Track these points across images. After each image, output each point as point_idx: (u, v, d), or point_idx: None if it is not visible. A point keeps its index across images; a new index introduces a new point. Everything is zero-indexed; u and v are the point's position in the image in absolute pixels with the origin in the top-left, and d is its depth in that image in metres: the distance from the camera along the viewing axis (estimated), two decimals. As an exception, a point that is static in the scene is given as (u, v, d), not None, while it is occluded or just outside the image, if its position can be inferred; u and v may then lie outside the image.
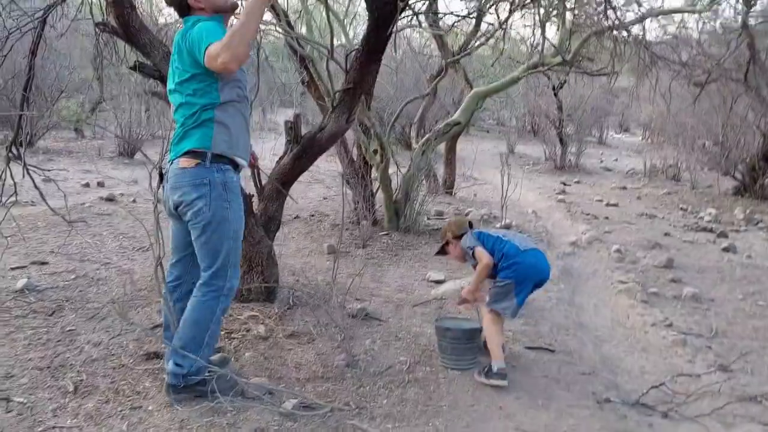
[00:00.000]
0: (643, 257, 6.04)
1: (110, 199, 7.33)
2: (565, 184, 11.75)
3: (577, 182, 12.41)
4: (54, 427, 2.46)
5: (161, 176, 2.69)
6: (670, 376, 3.29)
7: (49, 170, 4.13)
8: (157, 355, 3.08)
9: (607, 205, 9.58)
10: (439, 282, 4.61)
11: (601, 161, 16.54)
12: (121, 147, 11.55)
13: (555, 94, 14.00)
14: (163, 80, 3.05)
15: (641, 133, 24.98)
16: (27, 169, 3.76)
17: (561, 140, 14.22)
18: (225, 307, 2.67)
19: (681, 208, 9.58)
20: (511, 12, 4.60)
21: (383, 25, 3.08)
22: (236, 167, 2.67)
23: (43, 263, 4.62)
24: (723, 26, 5.32)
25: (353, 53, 3.59)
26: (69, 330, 3.43)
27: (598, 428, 2.69)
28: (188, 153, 2.53)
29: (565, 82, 13.73)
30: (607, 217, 8.39)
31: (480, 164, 13.25)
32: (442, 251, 3.52)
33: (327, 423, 2.52)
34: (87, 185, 8.26)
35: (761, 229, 8.19)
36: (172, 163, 2.59)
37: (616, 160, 17.24)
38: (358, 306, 3.88)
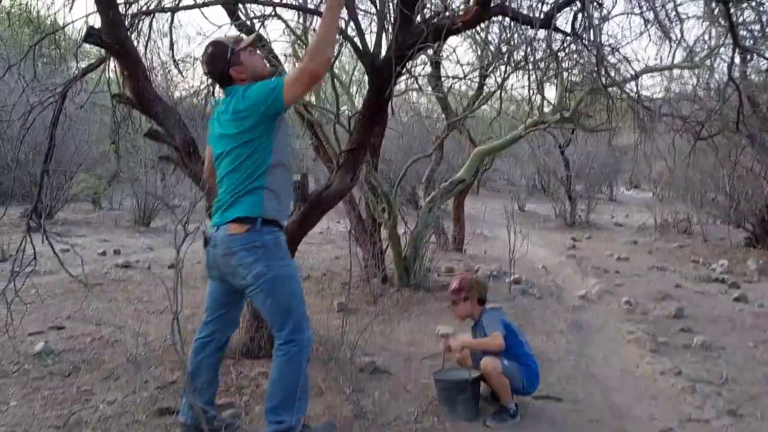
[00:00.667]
0: (653, 308, 6.04)
1: (126, 266, 7.49)
2: (575, 240, 11.79)
3: (588, 238, 12.44)
4: (68, 482, 2.51)
5: (206, 241, 2.74)
6: (679, 422, 3.29)
7: (67, 238, 4.29)
8: (170, 411, 3.14)
9: (618, 259, 9.59)
10: (448, 335, 4.65)
11: (612, 217, 16.58)
12: (136, 215, 11.83)
13: (561, 153, 14.23)
14: (175, 147, 3.24)
15: (651, 188, 25.04)
16: (46, 236, 3.94)
17: (570, 197, 14.35)
18: (308, 357, 2.72)
19: (692, 261, 9.56)
20: (507, 74, 4.81)
21: (382, 90, 3.27)
22: (280, 226, 2.75)
23: (61, 328, 4.74)
24: (717, 81, 5.52)
25: (356, 116, 3.79)
26: (84, 390, 3.51)
27: (606, 473, 2.70)
28: (237, 220, 2.60)
29: (570, 140, 14.00)
30: (617, 271, 8.40)
31: (490, 223, 13.37)
32: (450, 297, 3.60)
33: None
34: (104, 253, 8.46)
35: (775, 280, 8.15)
36: (218, 229, 2.66)
37: (627, 215, 17.27)
38: (368, 360, 3.93)
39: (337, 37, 2.97)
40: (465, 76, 5.76)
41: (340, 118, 4.95)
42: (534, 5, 3.53)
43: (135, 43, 3.61)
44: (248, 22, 4.80)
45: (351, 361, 3.86)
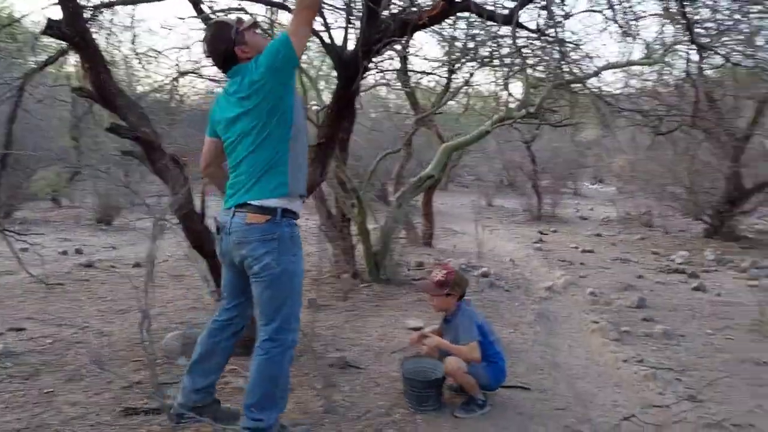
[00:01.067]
0: (616, 299, 6.17)
1: (88, 265, 7.34)
2: (542, 234, 11.96)
3: (554, 231, 12.63)
4: (32, 484, 2.46)
5: (219, 228, 2.70)
6: (641, 408, 3.38)
7: (26, 237, 4.19)
8: (136, 411, 3.09)
9: (583, 251, 9.76)
10: (417, 329, 4.67)
11: (577, 211, 16.87)
12: (99, 214, 11.60)
13: (528, 148, 14.41)
14: (138, 140, 3.19)
15: (615, 183, 25.53)
16: (5, 235, 3.85)
17: (536, 192, 14.55)
18: (291, 358, 2.68)
19: (653, 252, 9.79)
20: (473, 71, 4.86)
21: (349, 84, 3.27)
22: (296, 214, 2.68)
23: (20, 329, 4.61)
24: (675, 78, 5.66)
25: (324, 110, 3.78)
26: (46, 392, 3.43)
27: (572, 459, 2.75)
28: (258, 209, 2.54)
29: (536, 136, 14.18)
30: (582, 263, 8.55)
31: (459, 218, 13.51)
32: (430, 289, 3.45)
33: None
34: (65, 253, 8.27)
35: (731, 269, 8.38)
36: (234, 214, 2.59)
37: (592, 209, 17.59)
38: (338, 355, 3.94)
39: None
40: (431, 72, 5.79)
41: (308, 112, 4.94)
42: (498, 2, 3.57)
43: (96, 37, 3.54)
44: (213, 16, 4.74)
45: (322, 356, 3.86)
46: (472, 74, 5.05)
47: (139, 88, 6.23)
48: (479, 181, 23.27)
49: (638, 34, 5.12)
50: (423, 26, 3.16)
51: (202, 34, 2.76)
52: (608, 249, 10.22)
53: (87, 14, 3.31)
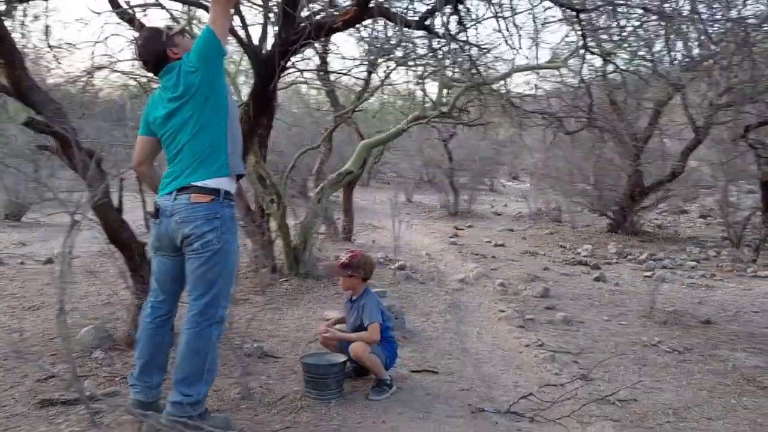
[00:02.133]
0: (523, 289, 6.57)
1: (-4, 262, 7.06)
2: (457, 229, 12.40)
3: (470, 226, 13.12)
4: (-57, 477, 2.47)
5: (157, 213, 2.78)
6: (538, 387, 3.70)
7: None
8: (52, 402, 3.11)
9: (495, 245, 10.24)
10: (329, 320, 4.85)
11: (492, 207, 17.51)
12: (7, 210, 11.07)
13: (445, 146, 14.85)
14: (54, 135, 3.19)
15: (529, 180, 26.58)
16: None
17: (453, 189, 15.02)
18: (219, 334, 2.78)
19: (560, 246, 10.39)
20: (389, 71, 5.06)
21: (267, 83, 3.39)
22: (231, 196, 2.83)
23: (-75, 327, 4.46)
24: (576, 81, 6.07)
25: (242, 107, 3.88)
26: (-43, 387, 3.38)
27: (472, 433, 3.01)
28: (201, 188, 2.68)
29: (453, 134, 14.63)
30: (494, 256, 8.99)
31: (379, 213, 13.75)
32: (334, 270, 3.73)
33: (223, 448, 2.68)
34: (-30, 249, 7.90)
35: (630, 261, 9.05)
36: (175, 198, 2.70)
37: (506, 205, 18.31)
38: (256, 345, 4.05)
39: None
40: (347, 72, 5.96)
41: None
42: (411, 7, 3.78)
43: (10, 30, 3.49)
44: (129, 11, 4.71)
45: (239, 347, 3.95)
46: (388, 74, 5.24)
47: (51, 81, 6.04)
48: (400, 178, 23.72)
49: (539, 41, 5.47)
50: (337, 29, 3.32)
51: (116, 28, 2.87)
52: (519, 243, 10.75)
53: (1, 8, 3.26)
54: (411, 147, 19.66)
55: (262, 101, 3.63)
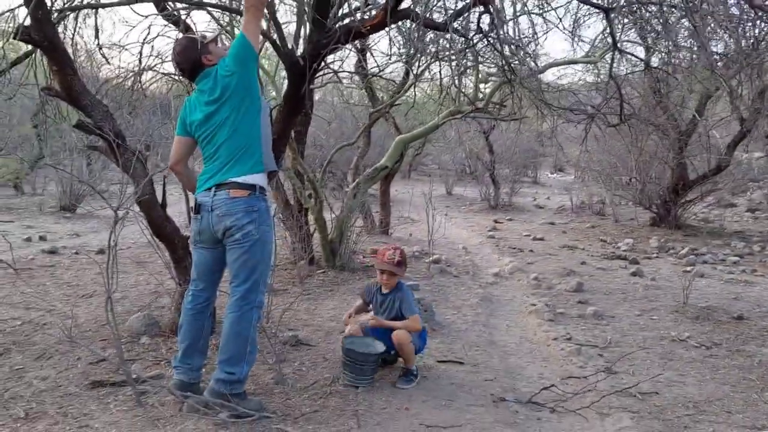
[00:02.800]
0: (557, 283, 6.62)
1: (52, 252, 7.50)
2: (497, 222, 12.43)
3: (510, 220, 13.13)
4: (7, 447, 2.75)
5: (198, 208, 3.03)
6: (561, 379, 3.79)
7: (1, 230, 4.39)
8: (102, 384, 3.38)
9: (534, 239, 10.25)
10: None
11: (534, 200, 17.43)
12: (62, 202, 11.65)
13: (486, 138, 14.85)
14: (102, 137, 3.45)
15: (573, 172, 26.23)
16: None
17: (494, 181, 15.02)
18: (259, 318, 3.06)
19: (601, 240, 10.33)
20: (423, 67, 5.18)
21: (299, 84, 3.57)
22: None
23: (-11, 312, 4.83)
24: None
25: (277, 108, 4.07)
26: (17, 369, 3.68)
27: (491, 421, 3.14)
28: (240, 184, 2.93)
29: (494, 126, 14.61)
30: (531, 250, 9.02)
31: (418, 206, 13.86)
32: (395, 270, 3.75)
33: (255, 428, 2.88)
34: (29, 239, 8.39)
35: (671, 256, 8.95)
36: (215, 193, 2.95)
37: (548, 198, 18.17)
38: (291, 334, 4.26)
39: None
40: (380, 72, 6.09)
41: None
42: (439, 7, 3.89)
43: (62, 36, 3.76)
44: (175, 12, 4.95)
45: (275, 335, 4.17)
46: (422, 71, 5.36)
47: (102, 75, 6.38)
48: (441, 170, 23.79)
49: (576, 36, 5.51)
50: (365, 34, 3.48)
51: (162, 29, 3.14)
52: (558, 237, 10.73)
53: (53, 16, 3.52)
54: (452, 139, 19.75)
55: (295, 102, 3.80)
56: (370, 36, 5.95)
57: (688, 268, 7.77)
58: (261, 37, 4.01)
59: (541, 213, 14.62)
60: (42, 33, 2.97)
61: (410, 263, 7.27)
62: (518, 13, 4.48)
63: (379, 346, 3.61)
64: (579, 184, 18.22)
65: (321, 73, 4.50)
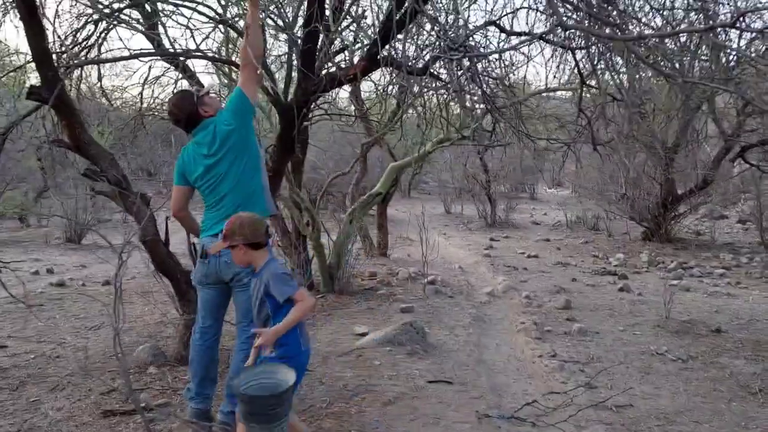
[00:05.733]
0: (547, 301, 6.87)
1: (60, 284, 7.77)
2: (493, 240, 12.68)
3: (506, 237, 13.38)
4: (29, 474, 3.00)
5: (204, 254, 3.24)
6: (543, 395, 4.04)
7: (10, 262, 4.68)
8: (113, 413, 3.63)
9: (528, 256, 10.50)
10: (362, 334, 5.28)
11: (531, 216, 17.69)
12: (68, 233, 11.93)
13: (480, 158, 15.15)
14: (109, 182, 3.74)
15: (569, 187, 26.49)
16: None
17: (489, 199, 15.31)
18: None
19: (593, 255, 10.59)
20: (408, 103, 5.49)
21: (290, 128, 3.87)
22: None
23: (3, 346, 5.09)
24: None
25: (271, 147, 4.38)
26: (33, 401, 3.94)
27: (475, 437, 3.39)
28: None
29: (487, 148, 14.91)
30: (525, 268, 9.27)
31: (417, 226, 14.11)
32: (216, 247, 3.06)
33: (256, 450, 3.13)
34: (37, 273, 8.66)
35: (660, 270, 9.20)
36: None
37: (545, 214, 18.43)
38: (289, 360, 4.51)
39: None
40: (366, 112, 6.42)
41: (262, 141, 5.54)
42: (418, 54, 4.20)
43: (69, 87, 4.07)
44: (175, 59, 5.28)
45: (274, 361, 4.42)
46: (408, 107, 5.67)
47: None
48: (441, 188, 24.09)
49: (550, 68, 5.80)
50: (349, 81, 3.78)
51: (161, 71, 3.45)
52: (553, 253, 10.98)
53: (61, 70, 3.83)
54: (448, 160, 20.06)
55: (287, 142, 4.10)
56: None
57: (675, 282, 8.01)
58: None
59: (537, 229, 14.87)
60: (52, 92, 3.27)
61: (406, 285, 7.55)
62: (495, 49, 4.77)
63: (287, 375, 2.71)
64: (575, 199, 18.49)
65: (312, 114, 4.81)
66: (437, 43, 3.77)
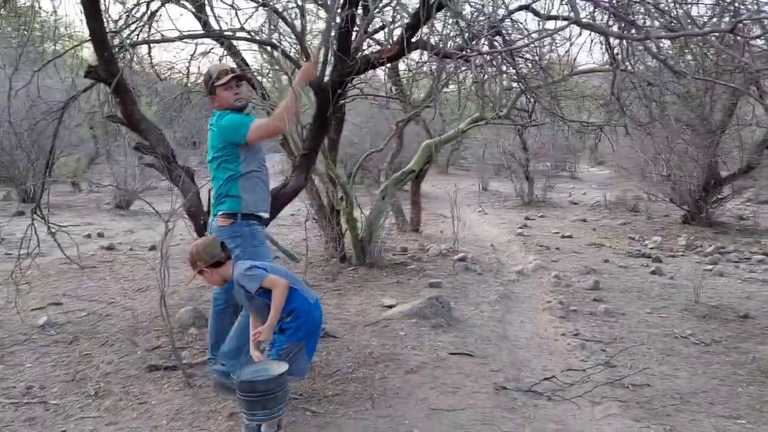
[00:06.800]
0: (577, 281, 6.96)
1: (110, 248, 8.21)
2: (528, 219, 12.71)
3: (542, 216, 13.38)
4: (82, 418, 3.33)
5: (204, 226, 3.66)
6: (561, 371, 4.19)
7: (65, 226, 5.03)
8: (157, 368, 3.95)
9: (563, 237, 10.52)
10: (390, 306, 5.50)
11: (570, 195, 17.56)
12: (117, 200, 12.47)
13: (520, 135, 15.09)
14: (157, 155, 4.01)
15: (611, 167, 26.04)
16: (48, 227, 4.73)
17: (527, 178, 15.27)
18: None
19: (630, 237, 10.54)
20: (444, 81, 5.59)
21: (324, 109, 4.05)
22: (260, 219, 3.65)
23: (58, 304, 5.49)
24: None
25: (307, 126, 4.57)
26: (85, 354, 4.29)
27: (491, 406, 3.57)
28: (224, 214, 3.53)
29: (529, 124, 14.83)
30: (558, 248, 9.32)
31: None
32: (191, 279, 3.30)
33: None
34: (89, 236, 9.15)
35: (697, 254, 9.14)
36: (213, 219, 3.60)
37: (584, 193, 18.26)
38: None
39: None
40: (401, 89, 6.53)
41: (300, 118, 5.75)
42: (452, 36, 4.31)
43: (121, 64, 4.33)
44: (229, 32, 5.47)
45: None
46: (444, 85, 5.78)
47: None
48: (479, 165, 24.04)
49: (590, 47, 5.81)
50: (381, 64, 3.93)
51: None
52: (588, 234, 10.97)
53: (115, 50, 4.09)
54: (488, 135, 19.99)
55: (322, 122, 4.28)
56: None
57: (710, 267, 7.98)
58: (291, 65, 4.52)
59: (574, 209, 14.80)
60: (108, 71, 3.53)
61: (436, 261, 7.73)
62: (530, 33, 4.83)
63: (279, 367, 2.94)
64: (615, 179, 18.25)
65: (347, 95, 4.96)
66: (470, 26, 3.88)
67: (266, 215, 3.73)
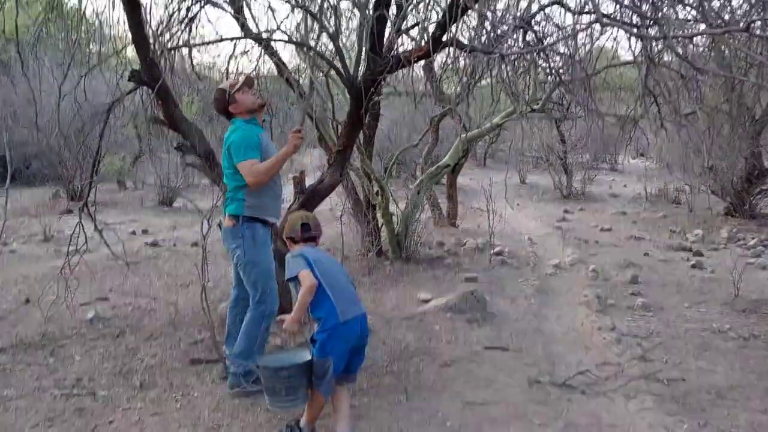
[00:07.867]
0: (615, 275, 6.89)
1: (154, 244, 8.48)
2: (566, 212, 12.58)
3: (581, 209, 13.21)
4: (129, 409, 3.50)
5: (220, 227, 3.82)
6: (596, 365, 4.19)
7: (111, 223, 5.23)
8: (200, 361, 4.10)
9: (602, 230, 10.38)
10: (426, 300, 5.56)
11: (610, 187, 17.28)
12: (160, 197, 12.81)
13: (557, 128, 14.92)
14: (199, 156, 4.16)
15: (653, 158, 25.48)
16: (95, 225, 4.93)
17: (566, 171, 15.09)
18: (267, 326, 3.70)
19: (671, 230, 10.34)
20: (478, 78, 5.61)
21: (358, 106, 4.13)
22: (266, 223, 3.74)
23: (105, 299, 5.72)
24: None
25: (342, 123, 4.66)
26: (131, 347, 4.48)
27: (524, 400, 3.62)
28: (229, 215, 3.68)
29: (565, 116, 14.66)
30: (597, 241, 9.21)
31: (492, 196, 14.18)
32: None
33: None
34: (134, 233, 9.45)
35: (740, 247, 8.92)
36: (223, 220, 3.77)
37: (625, 186, 17.93)
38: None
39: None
40: (435, 87, 6.56)
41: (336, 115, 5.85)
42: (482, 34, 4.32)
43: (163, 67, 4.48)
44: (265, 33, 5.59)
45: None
46: (477, 81, 5.78)
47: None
48: (517, 158, 23.81)
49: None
50: (415, 61, 3.98)
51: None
52: (628, 227, 10.80)
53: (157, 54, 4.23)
54: (526, 127, 19.77)
55: (356, 119, 4.36)
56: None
57: (752, 260, 7.79)
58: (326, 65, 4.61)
59: (614, 202, 14.57)
60: (150, 74, 3.67)
61: (473, 255, 7.75)
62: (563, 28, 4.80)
63: (303, 355, 3.04)
64: (657, 171, 17.86)
65: (380, 93, 5.02)
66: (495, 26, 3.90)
67: (273, 220, 3.80)
